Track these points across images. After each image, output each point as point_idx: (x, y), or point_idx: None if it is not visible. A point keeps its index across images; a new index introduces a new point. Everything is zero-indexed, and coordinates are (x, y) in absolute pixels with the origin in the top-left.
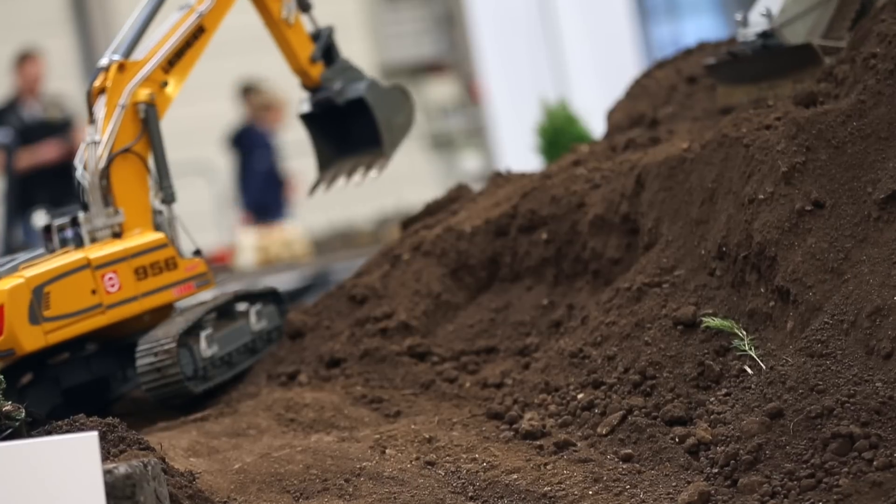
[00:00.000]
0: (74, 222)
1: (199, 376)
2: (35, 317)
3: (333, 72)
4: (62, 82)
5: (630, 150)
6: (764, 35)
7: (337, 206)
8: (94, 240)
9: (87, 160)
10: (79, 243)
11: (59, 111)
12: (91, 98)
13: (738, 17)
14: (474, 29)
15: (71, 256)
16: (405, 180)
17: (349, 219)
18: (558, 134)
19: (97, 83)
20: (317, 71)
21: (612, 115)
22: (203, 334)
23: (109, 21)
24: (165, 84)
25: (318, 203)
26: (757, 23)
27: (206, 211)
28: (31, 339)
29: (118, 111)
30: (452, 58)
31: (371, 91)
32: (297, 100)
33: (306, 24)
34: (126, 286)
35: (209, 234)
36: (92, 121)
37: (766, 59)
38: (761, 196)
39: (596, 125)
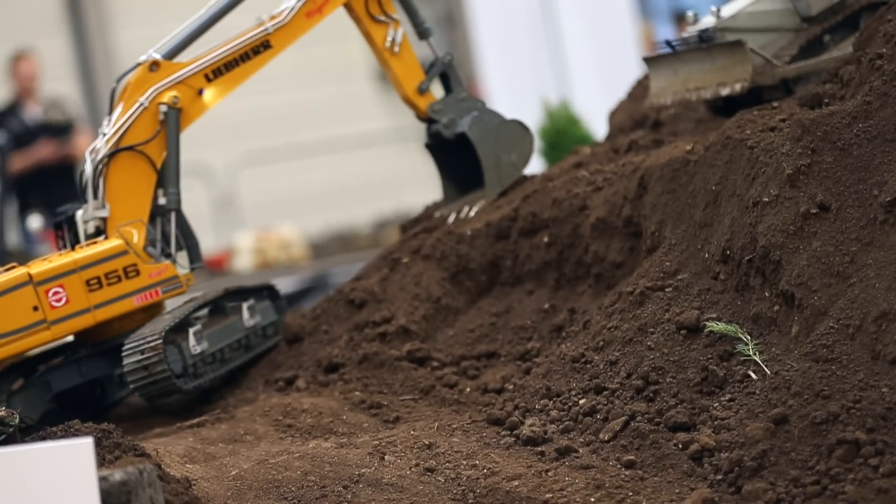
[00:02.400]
0: (72, 219)
1: (188, 373)
2: None
3: (445, 103)
4: (57, 83)
5: (633, 152)
6: (705, 31)
7: (335, 208)
8: (86, 232)
9: (94, 151)
10: (74, 240)
11: (61, 113)
12: (117, 93)
13: (690, 14)
14: (475, 29)
15: (11, 273)
16: (404, 182)
17: (348, 221)
18: (560, 135)
19: (129, 79)
20: (425, 102)
21: (614, 117)
22: (192, 331)
23: (104, 22)
24: (202, 91)
25: (316, 205)
26: (706, 22)
27: (202, 213)
28: None
29: (136, 108)
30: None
31: (475, 126)
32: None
33: (424, 52)
34: (75, 299)
35: (206, 237)
36: (109, 113)
37: (699, 55)
38: (766, 199)
39: (598, 126)
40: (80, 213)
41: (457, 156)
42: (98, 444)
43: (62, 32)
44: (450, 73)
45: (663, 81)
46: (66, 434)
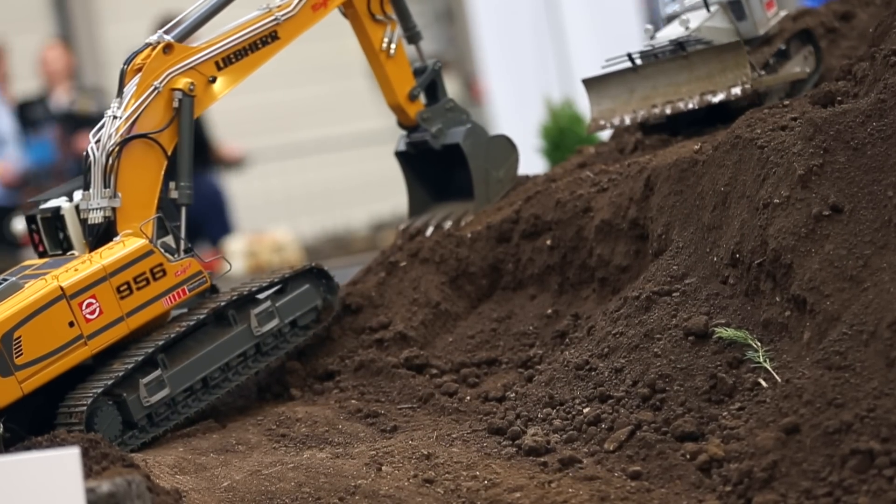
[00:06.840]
0: (58, 214)
1: (139, 426)
2: (6, 368)
3: (434, 111)
4: None
5: (638, 152)
6: (678, 41)
7: (331, 210)
8: (85, 221)
9: (103, 135)
10: (61, 235)
11: (95, 104)
12: (126, 74)
13: (649, 26)
14: (475, 25)
15: (41, 289)
16: (402, 183)
17: (343, 223)
18: (563, 135)
19: (138, 60)
20: (415, 109)
21: None
22: (143, 382)
23: (91, 16)
24: (213, 80)
25: (311, 207)
26: (666, 35)
27: None
28: (4, 393)
29: (150, 92)
30: (452, 55)
31: (469, 138)
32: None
33: (413, 58)
34: (108, 309)
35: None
36: (119, 95)
37: (671, 67)
38: (776, 200)
39: None
40: (67, 206)
41: (433, 166)
42: (85, 455)
43: (48, 27)
44: (437, 80)
45: (609, 103)
46: (52, 444)
